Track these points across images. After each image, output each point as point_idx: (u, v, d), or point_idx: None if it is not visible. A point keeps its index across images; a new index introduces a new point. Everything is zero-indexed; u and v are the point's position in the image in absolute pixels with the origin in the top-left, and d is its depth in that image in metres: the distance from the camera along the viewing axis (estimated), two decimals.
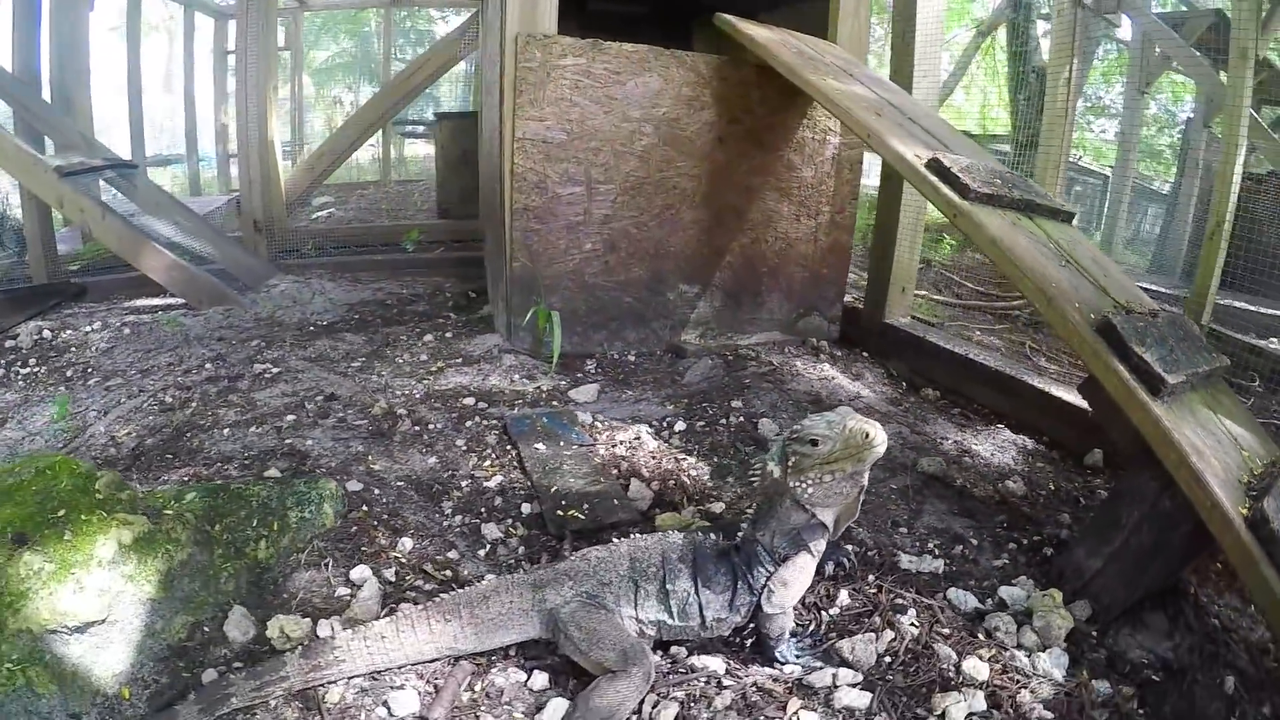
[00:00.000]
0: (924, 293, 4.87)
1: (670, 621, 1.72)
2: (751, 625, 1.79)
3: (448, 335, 3.73)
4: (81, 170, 4.27)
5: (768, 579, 1.73)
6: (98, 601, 1.89)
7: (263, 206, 4.98)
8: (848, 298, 4.01)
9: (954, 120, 5.59)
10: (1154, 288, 4.89)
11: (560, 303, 3.33)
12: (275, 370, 3.41)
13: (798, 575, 1.73)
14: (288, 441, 2.73)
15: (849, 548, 2.10)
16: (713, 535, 1.83)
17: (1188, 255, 5.50)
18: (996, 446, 2.98)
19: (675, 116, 3.34)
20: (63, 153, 4.47)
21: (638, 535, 1.83)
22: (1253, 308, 4.28)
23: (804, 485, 1.69)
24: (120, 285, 4.57)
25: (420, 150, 12.63)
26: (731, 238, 3.58)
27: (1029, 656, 1.82)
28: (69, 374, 3.79)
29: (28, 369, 3.91)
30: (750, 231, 3.60)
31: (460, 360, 3.36)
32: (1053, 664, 1.81)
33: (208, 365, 3.57)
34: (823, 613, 1.91)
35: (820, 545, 1.76)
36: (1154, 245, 6.96)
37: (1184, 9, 6.37)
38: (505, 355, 3.35)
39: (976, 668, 1.74)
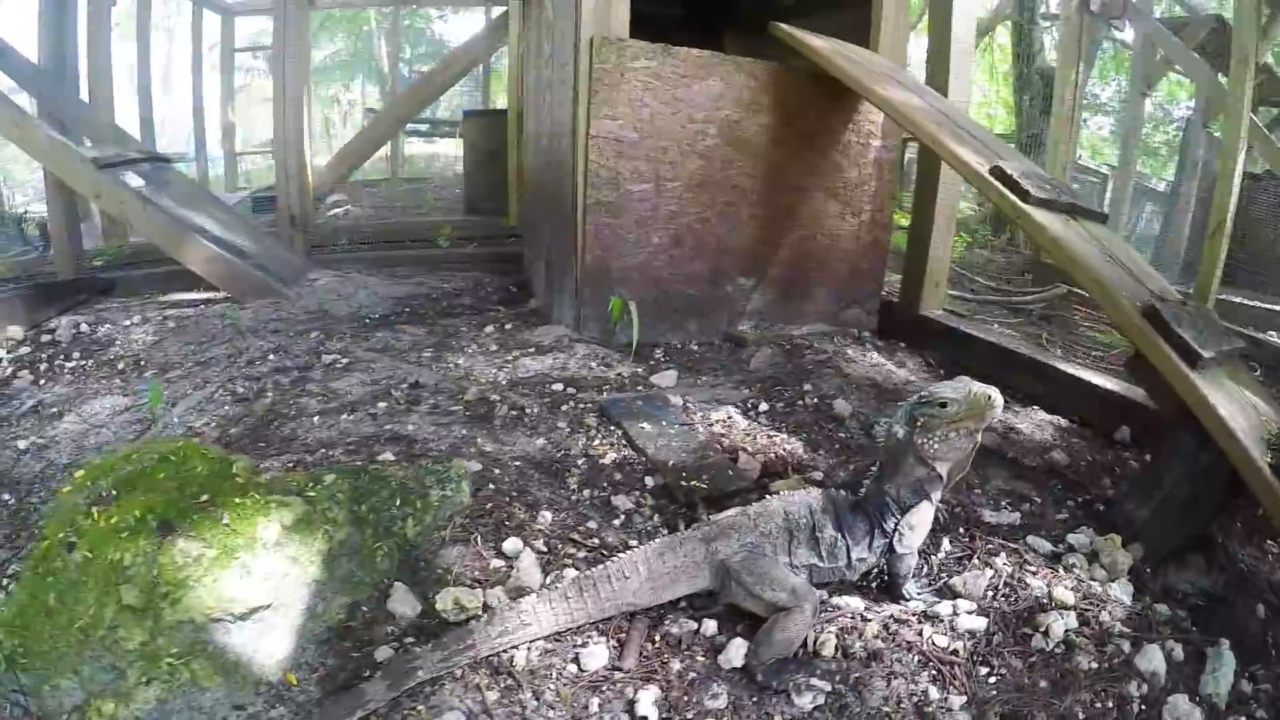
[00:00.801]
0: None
1: (821, 564, 2.18)
2: (877, 570, 2.27)
3: (507, 327, 4.15)
4: (118, 163, 4.54)
5: (897, 524, 2.21)
6: (265, 585, 2.01)
7: (299, 202, 5.31)
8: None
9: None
10: None
11: (629, 294, 3.78)
12: (345, 361, 3.77)
13: (922, 520, 2.21)
14: (387, 427, 3.08)
15: (940, 504, 2.60)
16: (843, 491, 2.31)
17: (1187, 253, 6.21)
18: (1035, 425, 3.52)
19: (736, 119, 3.84)
20: (95, 145, 4.72)
21: (785, 493, 2.30)
22: (1250, 302, 4.97)
23: (930, 442, 2.16)
24: (148, 281, 4.85)
25: (421, 149, 13.03)
26: (784, 234, 4.09)
27: (1102, 586, 2.33)
28: (120, 367, 4.06)
29: (73, 362, 4.17)
30: (801, 228, 4.12)
31: (532, 349, 3.78)
32: (1122, 592, 2.33)
33: (270, 357, 3.90)
34: (931, 558, 2.41)
35: (938, 495, 2.25)
36: (1152, 243, 7.71)
37: (1185, 15, 7.10)
38: (577, 344, 3.79)
39: (1064, 595, 2.24)
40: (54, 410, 3.74)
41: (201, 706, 1.87)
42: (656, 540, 2.19)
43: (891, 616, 2.14)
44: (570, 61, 3.70)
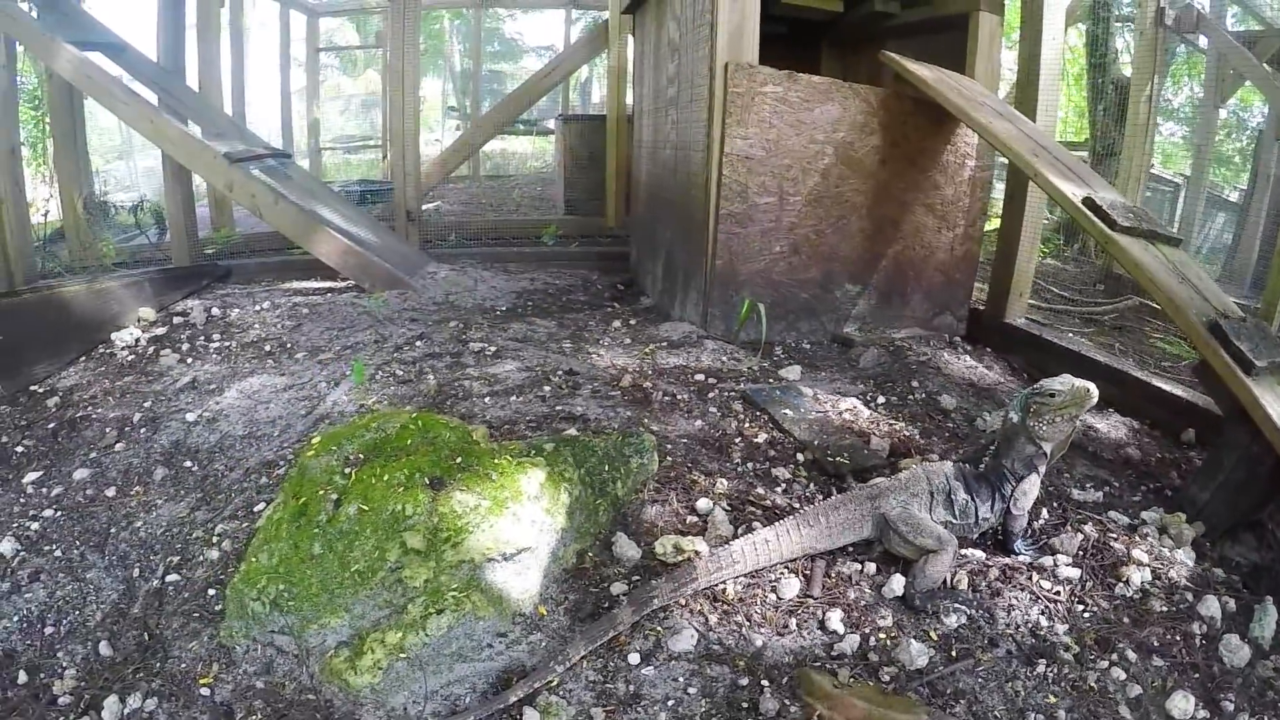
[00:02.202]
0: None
1: (954, 520, 3.10)
2: (993, 530, 3.27)
3: (632, 323, 5.15)
4: (246, 157, 5.50)
5: (1013, 490, 3.17)
6: (530, 531, 2.65)
7: (416, 197, 6.30)
8: None
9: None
10: None
11: (750, 296, 4.76)
12: (492, 349, 4.68)
13: (1031, 489, 3.14)
14: (558, 408, 3.93)
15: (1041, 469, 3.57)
16: (967, 465, 3.32)
17: (1257, 266, 7.11)
18: (1110, 425, 4.49)
19: (850, 140, 4.83)
20: (218, 140, 5.70)
21: (925, 464, 3.33)
22: None
23: (1040, 425, 3.07)
24: (263, 269, 5.81)
25: (494, 146, 14.23)
26: (888, 245, 5.11)
27: (1170, 551, 3.28)
28: (267, 349, 4.85)
29: (215, 343, 5.00)
30: (902, 240, 5.14)
31: (665, 344, 4.78)
32: (1186, 557, 3.27)
33: (418, 343, 4.80)
34: (1034, 523, 3.41)
35: (1043, 468, 3.16)
36: (1223, 254, 8.54)
37: (1259, 29, 7.99)
38: (705, 341, 4.78)
39: (1140, 555, 3.18)
40: (212, 387, 4.50)
41: (473, 634, 2.49)
42: (831, 498, 3.16)
43: (1007, 565, 3.06)
44: (703, 83, 4.69)
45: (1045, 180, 4.12)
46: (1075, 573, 3.09)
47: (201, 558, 3.24)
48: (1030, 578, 3.05)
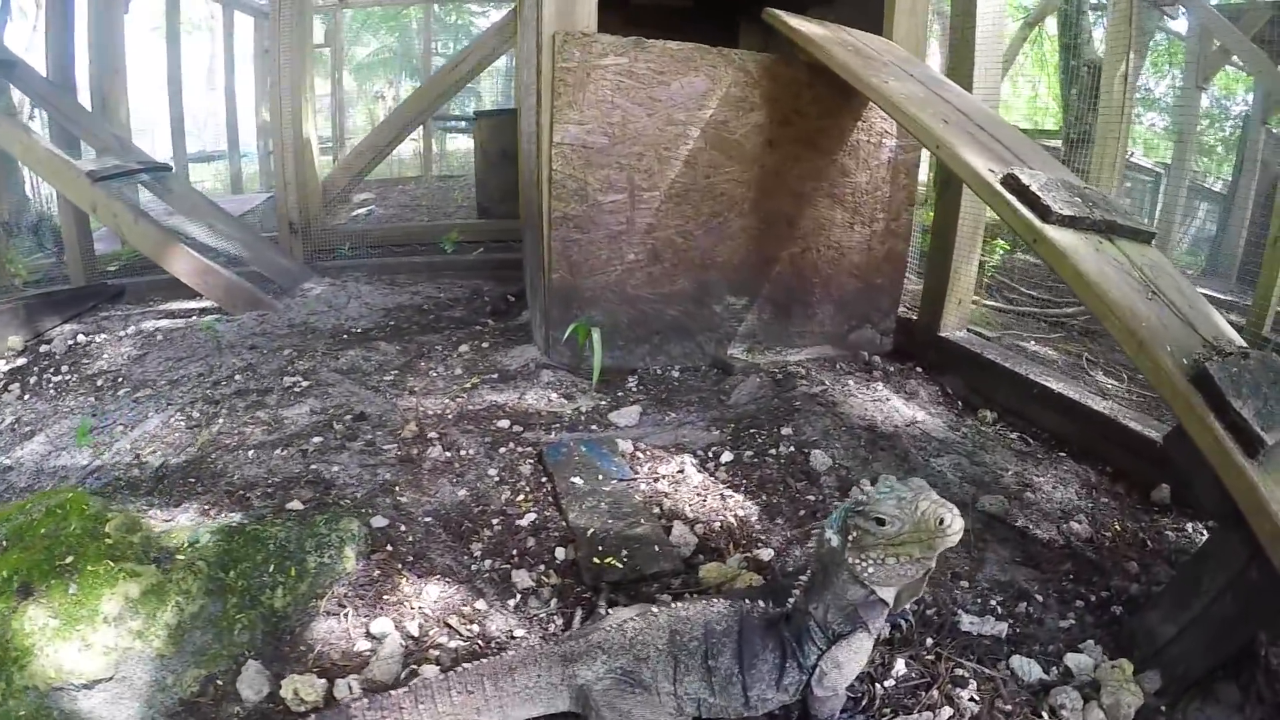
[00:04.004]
0: (975, 298, 4.65)
1: (711, 699, 1.64)
2: (799, 701, 1.70)
3: (484, 346, 3.67)
4: (115, 174, 4.29)
5: (819, 657, 1.63)
6: (104, 660, 1.87)
7: (299, 207, 4.96)
8: (900, 308, 3.85)
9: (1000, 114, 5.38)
10: (1211, 293, 4.63)
11: (601, 315, 3.25)
12: (305, 384, 3.37)
13: (852, 656, 1.63)
14: (313, 468, 2.69)
15: (907, 606, 1.98)
16: (760, 603, 1.73)
17: (1245, 258, 5.37)
18: (1059, 479, 2.81)
19: (723, 119, 3.21)
20: (98, 156, 4.49)
21: (678, 604, 1.75)
22: None
23: (864, 563, 1.58)
24: (157, 287, 4.62)
25: (462, 144, 12.84)
26: (782, 247, 3.45)
27: None
28: (99, 383, 3.79)
29: (59, 376, 3.92)
30: (801, 240, 3.46)
31: (496, 376, 3.29)
32: None
33: (237, 377, 3.54)
34: (877, 685, 1.81)
35: (879, 624, 1.65)
36: (1207, 246, 6.76)
37: (1242, 2, 6.09)
38: (543, 371, 3.28)
39: None
40: (28, 429, 3.51)
41: None
42: (509, 653, 1.72)
43: None
44: (535, 60, 3.15)
45: (950, 153, 2.48)
46: None
47: None
48: None
